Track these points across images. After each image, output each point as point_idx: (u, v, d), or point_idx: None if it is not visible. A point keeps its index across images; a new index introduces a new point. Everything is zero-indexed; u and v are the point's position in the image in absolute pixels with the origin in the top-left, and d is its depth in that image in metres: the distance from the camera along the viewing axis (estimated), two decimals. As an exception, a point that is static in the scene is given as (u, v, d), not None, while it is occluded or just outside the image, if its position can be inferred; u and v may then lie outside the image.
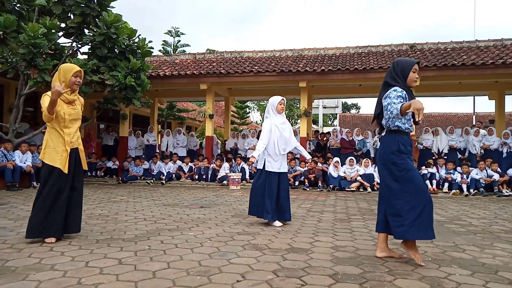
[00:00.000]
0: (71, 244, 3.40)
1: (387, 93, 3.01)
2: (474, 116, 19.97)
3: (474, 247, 3.57)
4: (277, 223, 4.51)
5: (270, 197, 4.52)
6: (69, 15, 9.21)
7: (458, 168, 9.54)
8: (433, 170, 9.54)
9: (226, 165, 10.79)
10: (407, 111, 2.78)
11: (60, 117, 3.55)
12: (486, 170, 9.05)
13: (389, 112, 2.92)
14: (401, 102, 2.88)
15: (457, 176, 9.20)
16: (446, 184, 9.30)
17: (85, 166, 3.80)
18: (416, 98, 2.93)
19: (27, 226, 3.48)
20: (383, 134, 3.20)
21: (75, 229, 3.66)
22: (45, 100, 3.47)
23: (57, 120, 3.56)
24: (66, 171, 3.53)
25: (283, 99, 4.76)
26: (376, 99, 3.20)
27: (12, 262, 2.85)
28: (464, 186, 8.96)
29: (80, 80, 3.68)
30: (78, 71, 3.64)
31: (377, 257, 3.12)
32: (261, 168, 4.67)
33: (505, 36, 11.82)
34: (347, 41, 73.83)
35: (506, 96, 12.49)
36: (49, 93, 3.52)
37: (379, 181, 9.54)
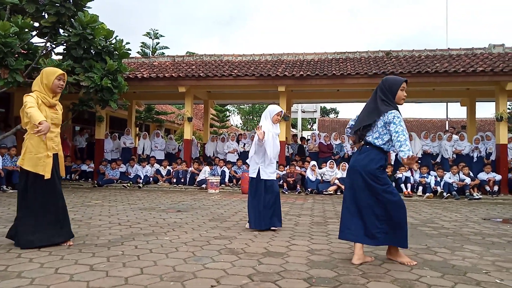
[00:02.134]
0: (41, 250, 3.29)
1: (394, 118, 3.03)
2: (447, 122, 20.61)
3: (445, 249, 3.67)
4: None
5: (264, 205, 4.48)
6: (43, 14, 8.96)
7: (432, 172, 9.81)
8: (407, 174, 9.78)
9: (206, 168, 10.71)
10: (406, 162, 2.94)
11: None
12: (459, 174, 9.35)
13: (397, 144, 2.98)
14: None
15: (430, 180, 9.46)
16: (420, 188, 9.54)
17: (62, 173, 3.70)
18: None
19: (17, 237, 3.40)
20: (364, 145, 3.23)
21: (65, 236, 3.53)
22: (30, 103, 3.33)
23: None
24: (49, 176, 3.42)
25: (281, 110, 4.71)
26: (362, 105, 3.27)
27: (-24, 270, 2.73)
28: (439, 189, 9.23)
29: (63, 84, 3.60)
30: (62, 74, 3.57)
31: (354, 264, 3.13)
32: (254, 176, 4.56)
33: (475, 45, 12.26)
34: (326, 47, 75.07)
35: (476, 102, 12.97)
36: (32, 94, 3.45)
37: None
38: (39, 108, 3.40)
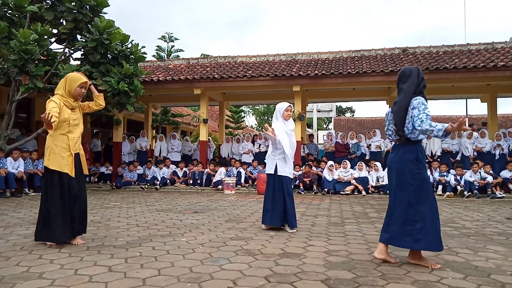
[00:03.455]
0: (61, 252, 3.36)
1: (415, 103, 2.96)
2: (467, 119, 20.12)
3: (467, 250, 3.57)
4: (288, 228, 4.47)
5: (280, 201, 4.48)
6: (61, 21, 9.18)
7: (452, 171, 9.58)
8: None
9: (222, 169, 10.75)
10: (452, 131, 2.83)
11: (65, 122, 3.59)
12: (480, 173, 9.10)
13: (420, 127, 2.88)
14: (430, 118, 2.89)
15: (450, 178, 9.24)
16: (440, 187, 9.32)
17: (86, 171, 3.84)
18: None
19: (36, 230, 3.59)
20: (396, 142, 3.18)
21: (82, 230, 3.74)
22: (52, 107, 3.50)
23: (61, 126, 3.58)
24: (73, 174, 3.60)
25: (290, 105, 4.70)
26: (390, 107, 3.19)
27: (-1, 271, 2.80)
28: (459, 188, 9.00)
29: (85, 91, 3.72)
30: (84, 82, 3.68)
31: (375, 258, 3.10)
32: (272, 173, 4.58)
33: (496, 40, 11.92)
34: (341, 46, 74.29)
35: (498, 98, 12.61)
36: (54, 98, 3.58)
37: (373, 185, 9.61)
38: (61, 110, 3.56)
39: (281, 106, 4.70)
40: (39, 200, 3.68)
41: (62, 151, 3.58)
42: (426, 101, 3.01)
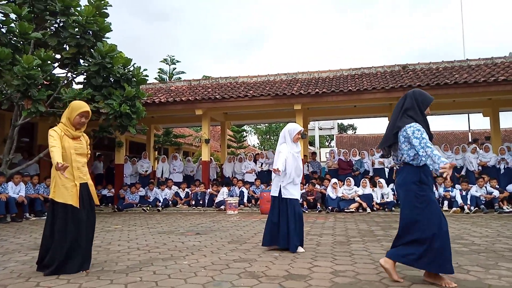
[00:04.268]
0: (59, 278, 3.27)
1: (414, 133, 2.96)
2: (469, 133, 20.04)
3: (478, 268, 3.45)
4: (300, 249, 4.35)
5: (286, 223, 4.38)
6: (64, 46, 9.32)
7: (457, 186, 9.45)
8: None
9: (224, 189, 10.67)
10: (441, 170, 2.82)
11: (67, 151, 3.52)
12: (486, 187, 8.97)
13: (424, 158, 2.92)
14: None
15: (456, 194, 9.11)
16: (446, 202, 9.18)
17: (96, 201, 3.74)
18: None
19: (44, 263, 3.43)
20: (399, 164, 3.20)
21: (85, 266, 3.53)
22: (51, 140, 3.47)
23: (64, 155, 3.50)
24: (77, 205, 3.47)
25: (301, 129, 4.65)
26: (387, 122, 3.24)
27: (-5, 300, 2.72)
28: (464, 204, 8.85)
29: (86, 121, 3.64)
30: (85, 111, 3.61)
31: (380, 265, 3.07)
32: (276, 195, 4.51)
33: (495, 55, 11.99)
34: (341, 65, 75.21)
35: (500, 112, 12.57)
36: (56, 128, 3.55)
37: (378, 202, 9.48)
38: (62, 140, 3.51)
39: (293, 128, 4.59)
40: (39, 225, 3.60)
41: (66, 181, 3.47)
42: (424, 125, 3.04)
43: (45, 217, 3.64)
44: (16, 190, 8.70)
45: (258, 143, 40.20)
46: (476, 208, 8.66)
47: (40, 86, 8.67)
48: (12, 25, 8.34)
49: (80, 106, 3.63)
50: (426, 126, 3.05)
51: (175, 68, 22.82)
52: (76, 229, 3.45)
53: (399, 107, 3.17)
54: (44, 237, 3.49)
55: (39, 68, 8.13)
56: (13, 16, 8.35)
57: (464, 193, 9.04)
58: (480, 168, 10.46)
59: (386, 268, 3.04)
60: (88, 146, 3.82)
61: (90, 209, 3.63)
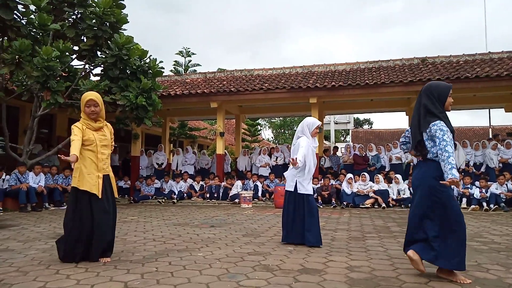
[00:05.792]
0: (77, 267, 3.33)
1: (437, 132, 2.89)
2: (490, 129, 19.54)
3: (498, 266, 3.36)
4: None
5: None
6: (82, 38, 9.43)
7: (476, 183, 9.23)
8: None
9: (238, 183, 10.70)
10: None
11: (90, 143, 3.56)
12: (507, 185, 8.73)
13: (441, 162, 2.85)
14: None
15: (474, 191, 8.90)
16: (464, 200, 8.98)
17: (115, 194, 3.79)
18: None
19: (62, 249, 3.50)
20: (419, 160, 3.16)
21: (108, 254, 3.61)
22: (74, 133, 3.52)
23: (89, 147, 3.56)
24: (100, 196, 3.53)
25: (320, 123, 4.59)
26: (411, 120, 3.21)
27: (16, 286, 2.78)
28: (484, 201, 8.64)
29: (95, 109, 3.61)
30: (89, 100, 3.60)
31: (408, 257, 3.01)
32: (292, 190, 4.45)
33: (519, 47, 11.58)
34: (358, 58, 74.12)
35: (523, 107, 12.20)
36: (77, 123, 3.60)
37: (394, 198, 9.34)
38: (85, 132, 3.55)
39: (312, 122, 4.51)
40: (58, 215, 3.67)
41: (91, 171, 3.53)
42: (445, 121, 2.96)
43: (64, 207, 3.70)
44: (36, 180, 8.90)
45: (272, 137, 40.12)
46: (496, 206, 8.45)
47: (58, 78, 8.81)
48: (32, 16, 8.46)
49: (84, 96, 3.65)
50: (447, 121, 2.96)
51: (191, 61, 22.91)
52: (99, 218, 3.51)
53: (418, 105, 3.10)
54: (67, 224, 3.53)
55: (57, 60, 8.25)
56: (32, 7, 8.47)
57: (483, 190, 8.82)
58: (500, 165, 10.18)
59: (414, 259, 2.97)
60: (113, 137, 3.85)
61: (112, 200, 3.68)
